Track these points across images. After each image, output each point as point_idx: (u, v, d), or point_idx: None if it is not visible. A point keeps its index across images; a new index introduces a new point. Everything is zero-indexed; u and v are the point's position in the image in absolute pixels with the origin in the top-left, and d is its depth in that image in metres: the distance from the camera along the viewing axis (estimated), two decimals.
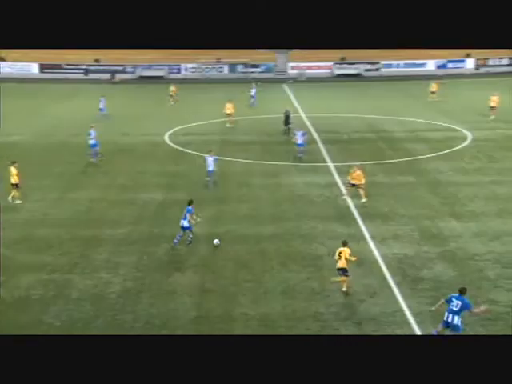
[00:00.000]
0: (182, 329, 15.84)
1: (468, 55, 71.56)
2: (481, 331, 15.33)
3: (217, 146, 36.23)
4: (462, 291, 14.32)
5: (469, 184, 27.75)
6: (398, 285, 17.97)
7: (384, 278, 18.43)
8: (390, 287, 17.91)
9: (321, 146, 35.86)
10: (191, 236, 21.00)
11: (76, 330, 15.73)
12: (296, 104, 50.90)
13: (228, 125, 41.35)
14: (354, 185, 25.65)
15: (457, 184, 27.74)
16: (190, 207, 20.97)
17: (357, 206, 24.89)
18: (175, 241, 20.90)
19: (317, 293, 17.69)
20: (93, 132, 32.57)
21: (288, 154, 33.94)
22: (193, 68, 71.22)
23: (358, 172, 25.55)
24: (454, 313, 14.04)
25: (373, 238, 21.56)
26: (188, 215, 20.81)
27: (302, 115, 45.72)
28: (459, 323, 14.06)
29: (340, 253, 17.74)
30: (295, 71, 71.15)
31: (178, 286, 18.34)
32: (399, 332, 15.38)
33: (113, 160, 32.74)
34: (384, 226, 22.75)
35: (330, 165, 31.59)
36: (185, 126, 42.05)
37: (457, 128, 39.98)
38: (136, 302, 17.40)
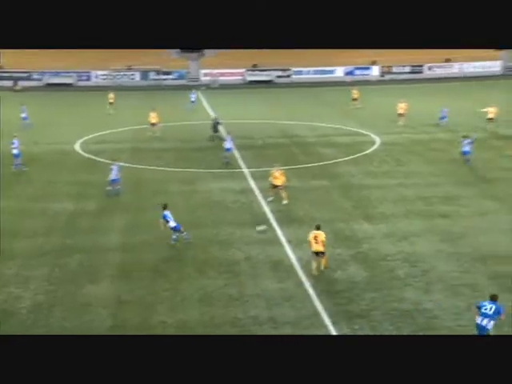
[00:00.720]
0: None
1: (374, 62, 74.20)
2: (390, 329, 15.83)
3: (130, 153, 35.71)
4: (493, 298, 14.24)
5: (378, 187, 28.69)
6: (314, 287, 18.28)
7: (300, 282, 18.70)
8: (305, 290, 18.19)
9: (236, 152, 36.03)
10: (185, 233, 21.45)
11: None
12: (210, 111, 50.94)
13: (153, 133, 40.33)
14: (275, 186, 26.08)
15: (367, 187, 28.61)
16: (165, 212, 21.30)
17: (272, 211, 25.16)
18: (174, 237, 21.30)
19: (235, 299, 17.71)
20: (16, 141, 31.71)
21: (203, 160, 33.91)
22: (104, 75, 69.86)
23: (280, 171, 26.09)
24: (489, 316, 13.95)
25: (289, 241, 21.85)
26: (162, 220, 21.30)
27: None
28: (490, 327, 13.94)
29: (316, 237, 18.97)
30: (208, 78, 71.27)
31: (92, 297, 17.84)
32: (316, 334, 15.62)
33: (20, 171, 31.54)
34: (299, 229, 23.10)
35: (245, 170, 31.80)
36: (97, 134, 41.12)
37: (365, 133, 41.29)
38: (48, 316, 16.77)
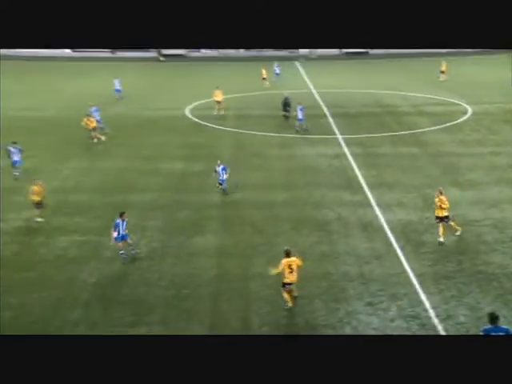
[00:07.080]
0: (202, 286, 16.02)
1: None
2: (476, 291, 15.28)
3: (233, 119, 36.17)
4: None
5: (469, 155, 27.46)
6: (402, 248, 17.95)
7: (389, 242, 18.42)
8: (394, 250, 17.90)
9: (330, 119, 35.59)
10: (132, 248, 17.89)
11: (109, 287, 16.01)
12: (307, 81, 50.39)
13: (218, 112, 36.91)
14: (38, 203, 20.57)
15: (457, 155, 27.45)
16: (118, 221, 17.51)
17: (364, 176, 24.77)
18: (124, 256, 17.68)
19: (327, 255, 17.74)
20: (94, 109, 32.18)
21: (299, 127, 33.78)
22: None
23: (40, 184, 20.86)
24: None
25: (378, 205, 21.50)
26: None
27: (314, 91, 45.29)
28: None
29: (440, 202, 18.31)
30: (306, 50, 70.27)
31: (198, 247, 18.47)
32: (403, 291, 15.43)
33: (136, 133, 32.86)
34: (389, 194, 22.65)
35: (339, 137, 31.38)
36: (204, 101, 41.82)
37: (457, 102, 39.44)
38: (161, 262, 17.56)
